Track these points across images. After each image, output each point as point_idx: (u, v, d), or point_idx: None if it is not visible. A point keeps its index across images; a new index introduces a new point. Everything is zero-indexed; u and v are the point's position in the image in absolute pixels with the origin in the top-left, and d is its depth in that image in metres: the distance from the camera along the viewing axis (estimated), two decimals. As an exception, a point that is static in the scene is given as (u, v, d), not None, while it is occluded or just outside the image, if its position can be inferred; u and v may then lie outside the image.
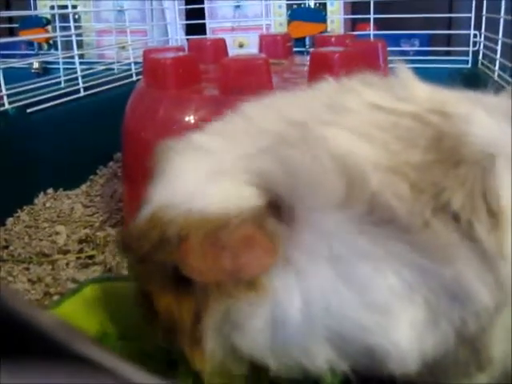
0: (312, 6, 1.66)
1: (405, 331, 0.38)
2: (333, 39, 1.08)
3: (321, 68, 0.74)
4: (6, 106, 1.04)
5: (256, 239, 0.39)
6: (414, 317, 0.38)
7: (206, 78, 0.85)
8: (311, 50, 0.89)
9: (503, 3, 1.28)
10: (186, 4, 1.75)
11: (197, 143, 0.47)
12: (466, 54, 1.47)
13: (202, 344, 0.43)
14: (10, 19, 1.87)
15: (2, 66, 1.05)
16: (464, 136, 0.39)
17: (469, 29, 1.46)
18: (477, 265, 0.37)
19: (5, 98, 1.04)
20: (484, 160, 0.38)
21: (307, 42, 1.57)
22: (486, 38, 1.41)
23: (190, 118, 0.76)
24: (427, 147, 0.39)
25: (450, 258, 0.37)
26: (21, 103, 1.08)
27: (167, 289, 0.44)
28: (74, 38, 1.31)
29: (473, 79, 1.35)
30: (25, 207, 1.05)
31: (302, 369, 0.42)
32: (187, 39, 1.64)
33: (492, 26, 1.35)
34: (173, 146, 0.48)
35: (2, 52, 1.07)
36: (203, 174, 0.43)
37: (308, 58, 0.84)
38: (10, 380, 0.18)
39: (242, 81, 0.73)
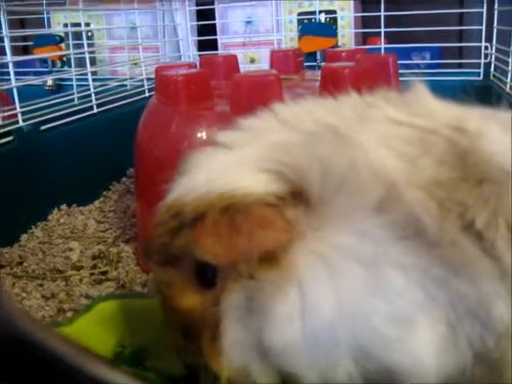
0: (322, 21, 1.67)
1: (426, 347, 0.38)
2: (343, 54, 1.09)
3: (332, 83, 0.74)
4: (21, 123, 1.05)
5: (270, 218, 0.38)
6: (435, 333, 0.38)
7: (218, 94, 0.86)
8: (322, 64, 0.89)
9: (514, 15, 1.28)
10: (198, 20, 1.77)
11: (222, 140, 0.47)
12: (478, 66, 1.47)
13: (222, 341, 0.40)
14: (25, 38, 1.89)
15: (17, 84, 1.06)
16: (485, 154, 0.39)
17: (480, 41, 1.45)
18: (499, 284, 0.37)
19: (19, 115, 1.05)
20: (504, 178, 0.38)
21: (318, 56, 1.57)
22: (497, 50, 1.41)
23: (202, 135, 0.77)
24: (452, 164, 0.39)
25: (475, 277, 0.37)
26: (35, 120, 1.09)
27: (188, 289, 0.43)
28: (87, 55, 1.32)
29: (485, 92, 1.35)
30: (39, 223, 1.06)
31: None
32: (199, 55, 1.66)
33: (503, 37, 1.35)
34: (196, 155, 0.47)
35: (16, 70, 1.08)
36: (226, 163, 0.43)
37: (319, 72, 0.84)
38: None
39: (253, 97, 0.74)
